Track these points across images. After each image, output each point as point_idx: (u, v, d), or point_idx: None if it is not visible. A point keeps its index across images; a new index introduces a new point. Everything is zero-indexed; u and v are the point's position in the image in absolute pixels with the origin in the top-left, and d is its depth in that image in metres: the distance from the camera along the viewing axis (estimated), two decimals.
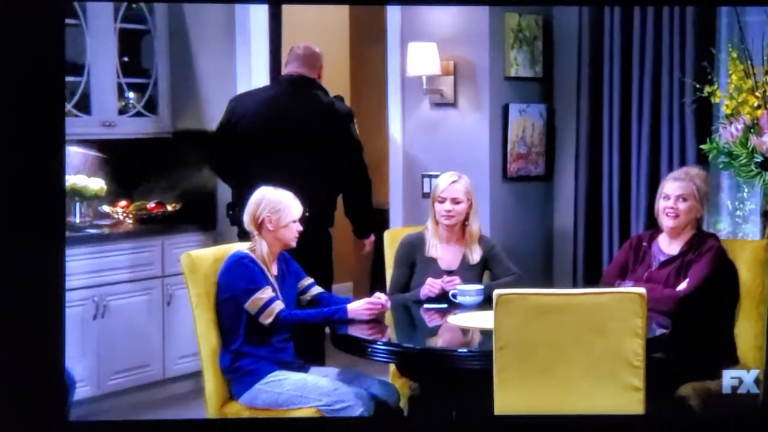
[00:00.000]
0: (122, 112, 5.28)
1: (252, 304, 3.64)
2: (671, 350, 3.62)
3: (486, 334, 3.46)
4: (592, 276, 4.98)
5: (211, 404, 3.68)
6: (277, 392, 3.63)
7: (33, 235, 3.28)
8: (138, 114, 5.33)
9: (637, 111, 4.97)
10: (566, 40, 5.23)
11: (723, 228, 4.84)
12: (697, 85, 4.35)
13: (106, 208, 5.20)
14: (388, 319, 3.84)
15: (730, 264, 3.94)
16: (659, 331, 3.55)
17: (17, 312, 3.27)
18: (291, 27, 5.45)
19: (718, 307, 3.90)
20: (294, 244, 3.75)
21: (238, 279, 3.66)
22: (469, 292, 3.91)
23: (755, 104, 4.07)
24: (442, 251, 4.13)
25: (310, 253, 4.03)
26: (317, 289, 3.88)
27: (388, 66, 5.36)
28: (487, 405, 3.21)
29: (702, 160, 4.61)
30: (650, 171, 4.89)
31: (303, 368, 3.77)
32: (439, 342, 3.68)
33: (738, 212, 4.85)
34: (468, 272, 4.08)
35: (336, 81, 5.78)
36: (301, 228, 3.75)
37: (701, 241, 3.97)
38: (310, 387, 3.61)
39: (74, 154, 5.23)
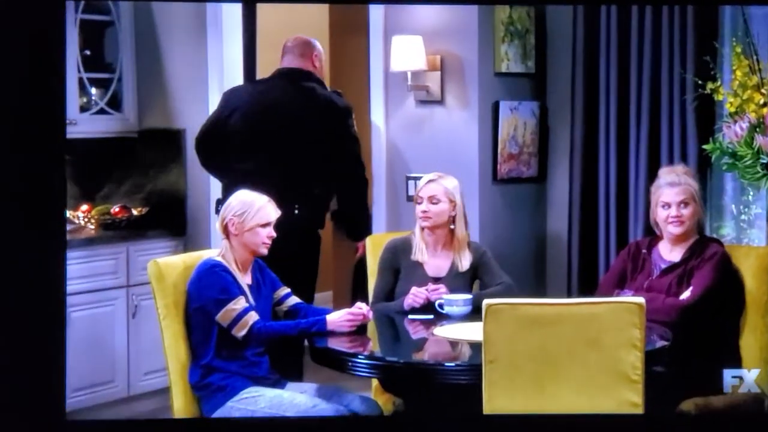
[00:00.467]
0: (84, 109, 5.26)
1: (224, 316, 3.63)
2: (672, 363, 3.62)
3: (475, 346, 3.45)
4: (587, 284, 4.99)
5: None
6: (251, 410, 3.61)
7: (33, 235, 3.38)
8: (101, 111, 5.32)
9: (635, 109, 4.99)
10: (560, 34, 5.25)
11: (727, 233, 4.87)
12: (699, 81, 4.37)
13: (66, 213, 5.19)
14: (371, 330, 3.83)
15: (734, 271, 3.96)
16: (659, 343, 3.56)
17: (17, 312, 3.37)
18: (265, 16, 5.46)
19: (722, 318, 3.92)
20: (263, 251, 3.74)
21: (208, 288, 3.64)
22: (456, 302, 3.92)
23: (761, 102, 4.08)
24: (429, 256, 4.13)
25: (297, 255, 4.05)
26: (294, 300, 3.88)
27: (371, 60, 5.36)
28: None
29: (704, 160, 4.63)
30: (649, 172, 4.90)
31: (279, 384, 3.76)
32: (424, 355, 3.68)
33: (743, 216, 4.88)
34: (456, 280, 4.08)
35: None
36: (273, 234, 3.74)
37: (704, 247, 3.98)
38: (286, 404, 3.60)
39: None
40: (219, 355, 3.66)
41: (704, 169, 4.78)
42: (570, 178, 5.19)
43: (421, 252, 4.13)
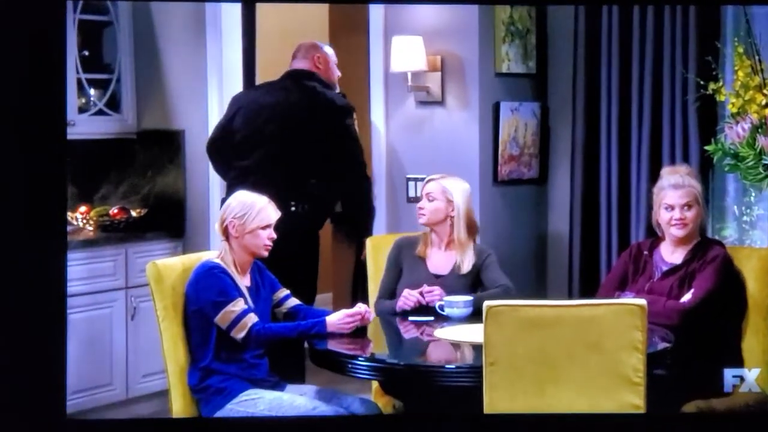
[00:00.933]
0: (82, 110, 5.26)
1: (223, 318, 3.63)
2: (674, 366, 3.62)
3: (475, 348, 3.46)
4: (588, 286, 4.99)
5: None
6: (250, 412, 3.62)
7: (34, 236, 3.40)
8: (99, 112, 5.32)
9: (636, 109, 4.99)
10: (561, 34, 5.25)
11: (729, 234, 4.87)
12: (701, 82, 4.37)
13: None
14: (371, 332, 3.84)
15: (736, 274, 3.97)
16: (661, 346, 3.55)
17: (18, 312, 3.39)
18: (265, 16, 5.46)
19: (724, 320, 3.92)
20: (264, 254, 3.75)
21: (207, 290, 3.65)
22: (456, 303, 3.92)
23: (763, 102, 4.09)
24: (433, 254, 4.15)
25: (296, 255, 4.07)
26: (294, 301, 3.88)
27: (371, 61, 5.37)
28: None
29: (706, 161, 4.64)
30: (651, 173, 4.90)
31: (278, 386, 3.76)
32: (425, 357, 3.68)
33: (745, 218, 4.88)
34: (458, 281, 4.08)
35: None
36: (274, 236, 3.75)
37: (706, 249, 3.98)
38: (286, 406, 3.61)
39: None
40: (218, 357, 3.66)
41: (706, 170, 4.79)
42: (571, 180, 5.19)
43: (426, 249, 4.14)
